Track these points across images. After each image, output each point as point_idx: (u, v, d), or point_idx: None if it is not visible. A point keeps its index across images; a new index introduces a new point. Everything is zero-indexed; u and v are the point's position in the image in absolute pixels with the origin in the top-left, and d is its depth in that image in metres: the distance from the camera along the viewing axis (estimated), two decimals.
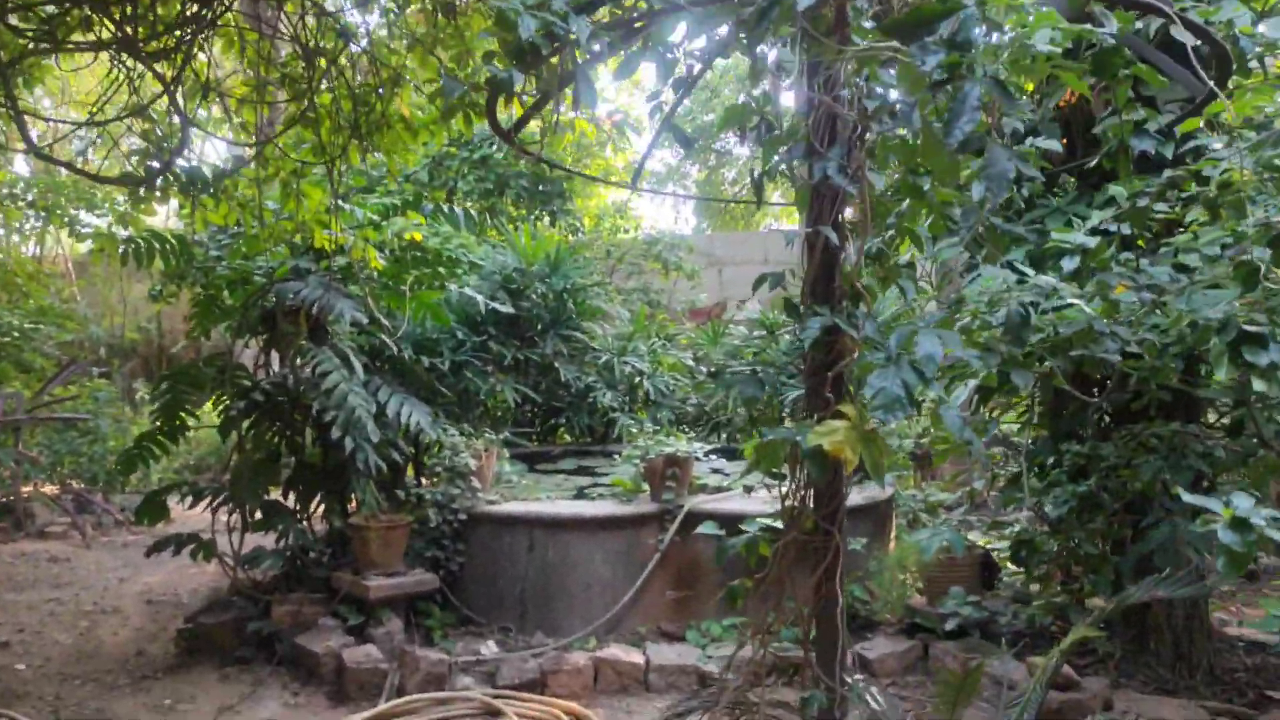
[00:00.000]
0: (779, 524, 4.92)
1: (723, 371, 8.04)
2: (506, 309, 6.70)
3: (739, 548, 3.05)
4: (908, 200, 2.40)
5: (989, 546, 5.00)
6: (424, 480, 5.97)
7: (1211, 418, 4.34)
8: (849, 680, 2.71)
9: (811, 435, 2.18)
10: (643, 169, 3.62)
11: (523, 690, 4.24)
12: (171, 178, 4.97)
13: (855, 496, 5.27)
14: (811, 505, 2.68)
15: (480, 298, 6.05)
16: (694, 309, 11.33)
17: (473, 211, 5.61)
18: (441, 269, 5.48)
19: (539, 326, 7.69)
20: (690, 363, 8.38)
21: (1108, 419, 4.09)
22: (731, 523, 5.12)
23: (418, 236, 5.11)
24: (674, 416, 7.81)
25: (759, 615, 2.92)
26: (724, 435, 8.01)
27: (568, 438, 8.63)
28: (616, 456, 7.45)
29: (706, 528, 4.95)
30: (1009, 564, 4.90)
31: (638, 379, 7.63)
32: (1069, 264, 2.91)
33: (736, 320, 9.29)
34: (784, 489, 2.71)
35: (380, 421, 5.35)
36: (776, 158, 2.55)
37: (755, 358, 8.00)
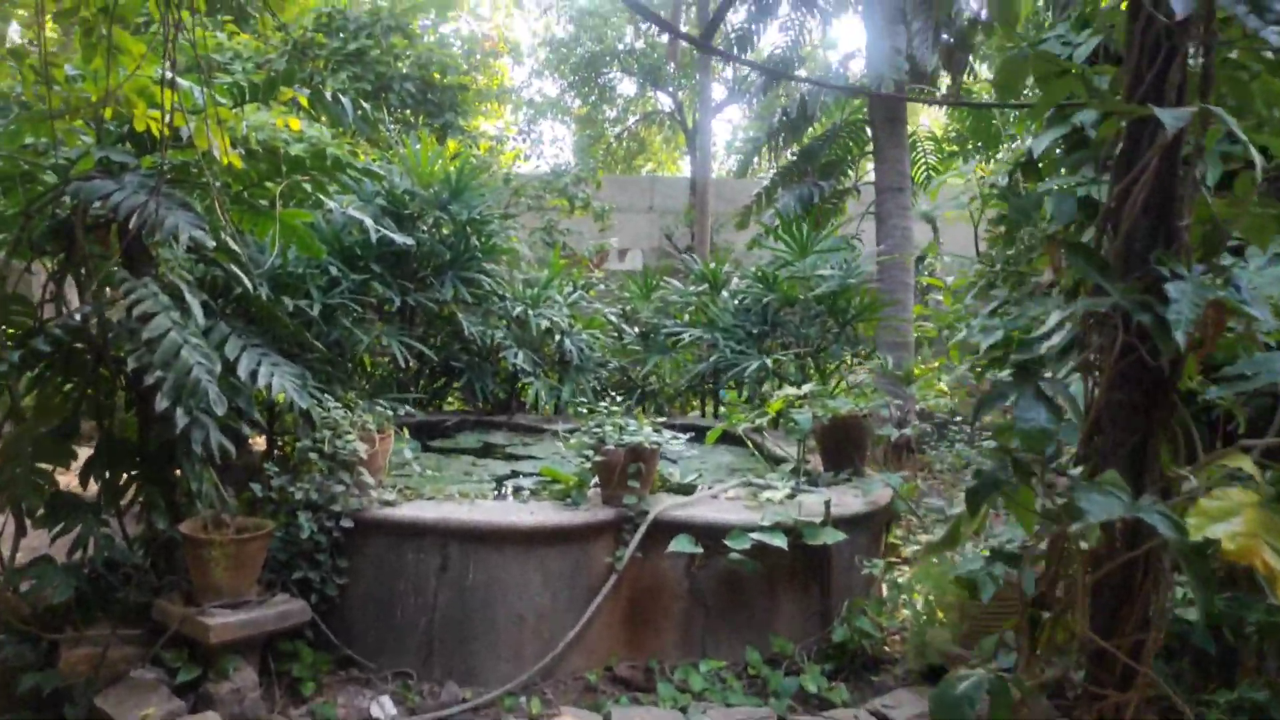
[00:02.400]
0: (776, 540, 3.96)
1: (655, 332, 6.96)
2: (404, 239, 5.33)
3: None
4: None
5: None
6: (273, 460, 4.63)
7: None
8: None
9: (1194, 516, 1.14)
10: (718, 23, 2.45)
11: None
12: None
13: (856, 503, 4.36)
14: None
15: (369, 221, 4.68)
16: (601, 253, 10.16)
17: (365, 106, 4.21)
18: (320, 176, 4.08)
19: (433, 265, 6.35)
20: (613, 319, 7.25)
21: None
22: (711, 536, 4.11)
23: (295, 125, 3.70)
24: (597, 383, 6.68)
25: None
26: (653, 407, 6.97)
27: (455, 403, 7.37)
28: (532, 432, 6.29)
29: (680, 544, 3.93)
30: None
31: (558, 336, 6.44)
32: None
33: (669, 277, 8.19)
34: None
35: (225, 383, 4.00)
36: None
37: (696, 318, 6.98)
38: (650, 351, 6.90)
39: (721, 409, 7.13)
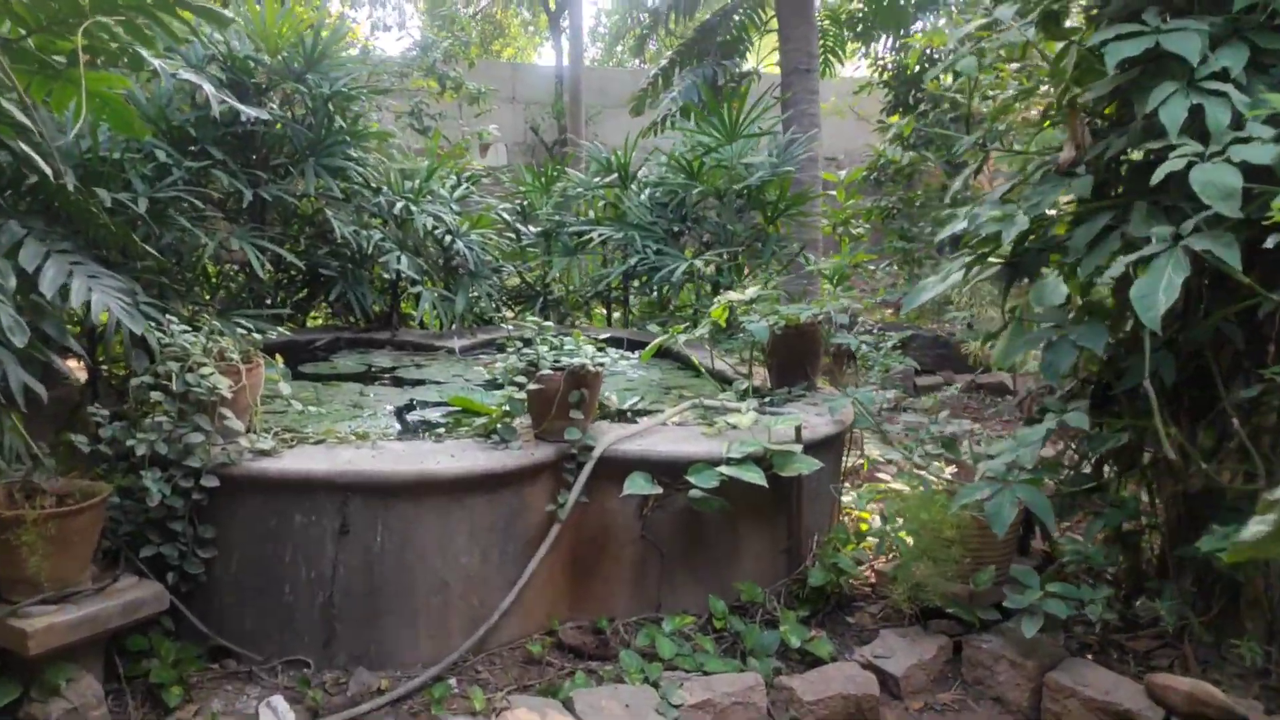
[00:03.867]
0: (750, 475, 3.42)
1: (558, 231, 6.19)
2: (256, 112, 4.31)
3: None
4: None
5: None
6: (97, 399, 3.74)
7: None
8: None
9: None
10: None
11: None
12: None
13: (823, 423, 3.88)
14: None
15: (210, 88, 3.68)
16: (483, 143, 9.14)
17: None
18: (139, 18, 3.08)
19: (288, 151, 5.32)
20: (507, 217, 6.40)
21: None
22: (670, 473, 3.51)
23: None
24: (492, 291, 5.89)
25: None
26: (555, 316, 6.26)
27: (320, 318, 6.45)
28: (422, 350, 5.50)
29: (635, 484, 3.33)
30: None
31: (447, 238, 5.57)
32: None
33: (579, 170, 7.35)
34: None
35: (25, 302, 3.09)
36: None
37: (603, 216, 6.24)
38: (553, 254, 6.14)
39: (632, 317, 6.50)
